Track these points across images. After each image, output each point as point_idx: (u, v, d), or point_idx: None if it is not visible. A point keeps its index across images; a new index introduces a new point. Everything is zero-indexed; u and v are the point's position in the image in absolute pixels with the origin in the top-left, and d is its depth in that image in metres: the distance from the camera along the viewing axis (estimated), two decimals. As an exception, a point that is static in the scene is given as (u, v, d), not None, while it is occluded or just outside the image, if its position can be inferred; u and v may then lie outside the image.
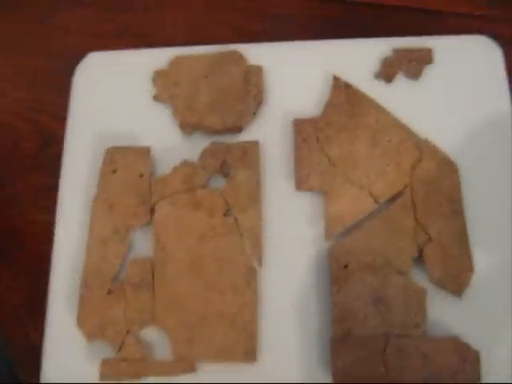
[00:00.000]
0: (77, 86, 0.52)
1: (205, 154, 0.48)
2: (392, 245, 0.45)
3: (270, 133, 0.49)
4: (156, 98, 0.51)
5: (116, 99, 0.51)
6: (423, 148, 0.47)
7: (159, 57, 0.52)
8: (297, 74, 0.51)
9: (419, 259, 0.45)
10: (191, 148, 0.49)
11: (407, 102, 0.49)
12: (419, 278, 0.44)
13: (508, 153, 0.48)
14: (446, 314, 0.44)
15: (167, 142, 0.49)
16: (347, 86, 0.49)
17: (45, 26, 0.57)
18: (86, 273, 0.46)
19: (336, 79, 0.50)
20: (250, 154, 0.47)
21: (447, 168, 0.47)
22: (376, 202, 0.46)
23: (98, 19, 0.56)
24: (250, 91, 0.49)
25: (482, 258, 0.45)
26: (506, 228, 0.46)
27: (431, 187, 0.46)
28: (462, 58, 0.51)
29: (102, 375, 0.44)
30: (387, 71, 0.50)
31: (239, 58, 0.50)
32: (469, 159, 0.47)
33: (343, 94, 0.49)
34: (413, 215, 0.45)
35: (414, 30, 0.53)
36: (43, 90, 0.55)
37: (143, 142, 0.49)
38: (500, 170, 0.47)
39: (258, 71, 0.50)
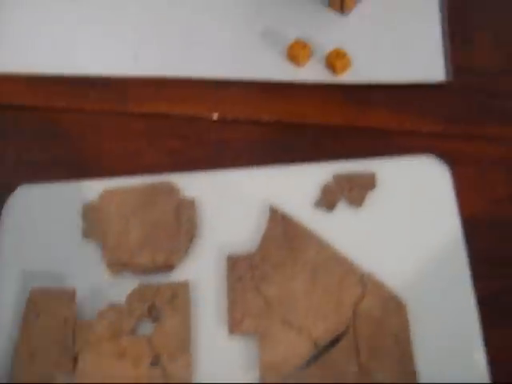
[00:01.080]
0: (5, 221, 0.49)
1: (132, 296, 0.45)
2: (334, 395, 0.41)
3: (203, 270, 0.46)
4: (85, 234, 0.48)
5: (44, 235, 0.49)
6: (367, 283, 0.44)
7: (90, 189, 0.49)
8: (232, 204, 0.48)
9: (365, 410, 0.41)
10: (119, 288, 0.45)
11: (349, 232, 0.46)
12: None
13: (462, 284, 0.44)
14: None
15: (95, 281, 0.46)
16: (284, 217, 0.47)
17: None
18: None
19: (272, 210, 0.47)
20: (180, 296, 0.44)
21: (393, 305, 0.43)
22: (316, 345, 0.42)
23: (34, 148, 0.54)
24: (181, 226, 0.47)
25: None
26: (459, 369, 0.41)
27: (376, 327, 0.43)
28: (408, 180, 0.49)
29: None
30: (328, 199, 0.48)
31: (171, 190, 0.48)
32: (418, 294, 0.44)
33: (280, 227, 0.46)
34: (356, 360, 0.42)
35: (358, 151, 0.50)
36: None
37: (71, 281, 0.46)
38: (453, 304, 0.43)
39: (190, 205, 0.48)
